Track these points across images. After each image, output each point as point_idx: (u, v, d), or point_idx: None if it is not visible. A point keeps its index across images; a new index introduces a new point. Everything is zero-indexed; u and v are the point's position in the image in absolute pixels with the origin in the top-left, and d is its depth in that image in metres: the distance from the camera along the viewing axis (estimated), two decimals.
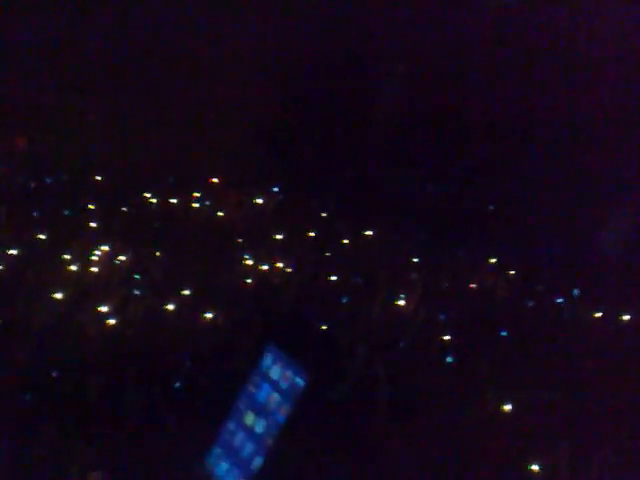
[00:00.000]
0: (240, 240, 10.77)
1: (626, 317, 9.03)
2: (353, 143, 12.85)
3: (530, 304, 9.30)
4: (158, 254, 10.26)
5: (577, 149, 12.06)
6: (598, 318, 9.05)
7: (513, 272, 10.00)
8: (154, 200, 11.94)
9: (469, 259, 10.16)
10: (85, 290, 9.38)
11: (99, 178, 12.50)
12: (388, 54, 13.62)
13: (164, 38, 13.66)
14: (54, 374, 7.86)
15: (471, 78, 12.89)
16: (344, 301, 9.16)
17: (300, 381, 5.19)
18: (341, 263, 10.10)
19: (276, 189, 12.18)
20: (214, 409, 7.13)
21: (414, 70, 13.18)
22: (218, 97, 13.16)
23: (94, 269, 9.88)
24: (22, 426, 6.95)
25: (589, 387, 7.79)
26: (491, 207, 11.41)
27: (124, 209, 11.64)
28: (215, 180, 12.24)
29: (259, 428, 5.26)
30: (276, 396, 5.24)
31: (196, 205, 11.82)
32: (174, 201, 11.91)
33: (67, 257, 10.03)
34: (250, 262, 10.18)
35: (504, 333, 8.61)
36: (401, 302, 9.14)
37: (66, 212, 11.40)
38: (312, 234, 10.90)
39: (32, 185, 12.27)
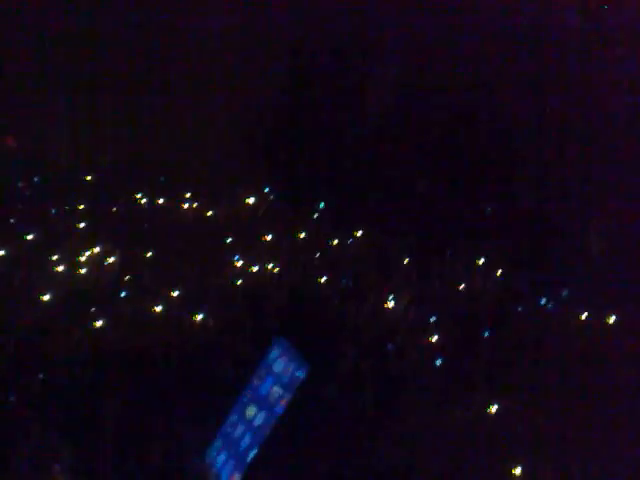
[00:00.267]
0: (230, 240, 10.78)
1: (612, 319, 9.10)
2: (344, 143, 12.86)
3: (517, 305, 9.34)
4: (149, 255, 10.27)
5: (567, 150, 12.11)
6: (584, 320, 9.12)
7: (501, 273, 10.04)
8: (144, 200, 11.93)
9: (458, 260, 10.20)
10: (74, 291, 9.38)
11: (89, 178, 12.47)
12: (379, 52, 13.63)
13: (153, 34, 13.62)
14: (41, 375, 7.87)
15: (464, 76, 12.92)
16: (334, 302, 9.19)
17: (301, 374, 5.22)
18: (331, 264, 10.12)
19: (267, 189, 12.18)
20: (203, 407, 7.20)
21: (406, 68, 13.19)
22: (209, 96, 13.13)
23: (83, 270, 9.88)
24: (7, 426, 6.96)
25: (575, 389, 7.86)
26: (488, 209, 11.46)
27: (114, 209, 11.62)
28: (206, 180, 12.23)
29: (258, 420, 5.28)
30: (277, 389, 5.27)
31: (186, 205, 11.80)
32: (165, 201, 11.89)
33: (55, 258, 10.02)
34: (240, 263, 10.20)
35: (491, 334, 8.67)
36: (390, 303, 9.19)
37: (54, 211, 11.38)
38: (302, 235, 10.92)
39: (20, 184, 12.23)
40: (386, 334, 8.60)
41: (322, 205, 11.68)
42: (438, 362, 8.13)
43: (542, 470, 7.06)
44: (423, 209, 11.42)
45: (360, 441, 7.26)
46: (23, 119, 12.86)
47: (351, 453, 7.14)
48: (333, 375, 7.89)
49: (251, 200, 11.86)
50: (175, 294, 9.31)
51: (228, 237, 10.82)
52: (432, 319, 8.88)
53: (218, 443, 5.81)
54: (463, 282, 9.74)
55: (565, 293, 9.52)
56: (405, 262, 10.19)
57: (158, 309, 9.00)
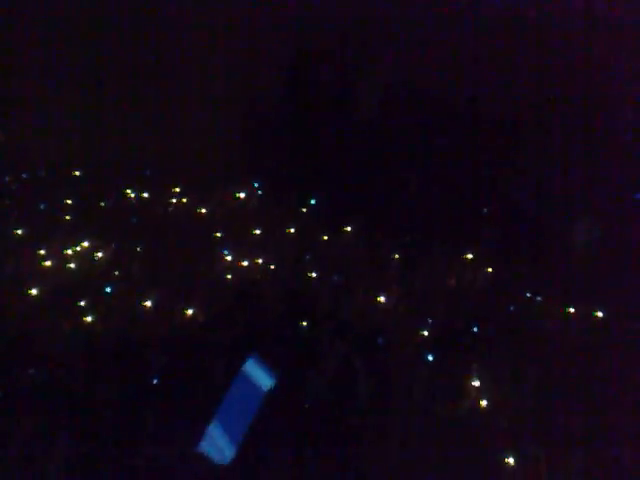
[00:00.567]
0: (219, 235, 10.76)
1: (599, 314, 9.16)
2: (334, 138, 12.86)
3: (507, 300, 9.39)
4: (138, 249, 10.24)
5: (556, 147, 12.18)
6: (573, 314, 9.18)
7: (491, 268, 10.09)
8: (133, 195, 11.89)
9: (448, 255, 10.23)
10: (62, 286, 9.34)
11: (77, 173, 12.42)
12: (371, 49, 13.63)
13: (141, 27, 13.56)
14: (31, 371, 7.84)
15: (458, 73, 12.95)
16: (324, 298, 9.20)
17: (271, 381, 5.28)
18: (322, 260, 10.13)
19: (256, 184, 12.17)
20: (191, 405, 7.20)
21: (398, 66, 13.20)
22: (199, 91, 13.10)
23: (71, 265, 9.84)
24: None
25: (564, 383, 7.92)
26: (485, 210, 11.51)
27: (102, 204, 11.58)
28: (196, 175, 12.20)
29: (234, 424, 5.33)
30: (250, 395, 5.32)
31: (174, 200, 11.78)
32: (152, 196, 11.86)
33: (43, 252, 9.98)
34: (229, 258, 10.19)
35: (481, 329, 8.71)
36: (382, 299, 9.21)
37: (42, 207, 11.33)
38: (292, 230, 10.92)
39: (7, 179, 12.17)
40: (377, 329, 8.61)
41: (312, 201, 11.68)
42: (430, 357, 8.16)
43: (531, 464, 7.11)
44: (414, 204, 11.46)
45: (350, 437, 7.28)
46: (10, 113, 12.79)
47: (341, 449, 7.15)
48: (324, 370, 7.90)
49: (241, 195, 11.86)
50: (164, 289, 9.29)
51: (217, 232, 10.80)
52: (423, 314, 8.91)
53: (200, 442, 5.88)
54: (453, 277, 9.78)
55: (554, 288, 9.57)
56: (396, 257, 10.22)
57: (147, 304, 8.98)
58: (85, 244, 10.24)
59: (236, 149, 12.32)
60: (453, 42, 13.25)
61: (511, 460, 7.10)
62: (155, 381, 7.79)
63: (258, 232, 10.85)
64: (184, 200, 11.73)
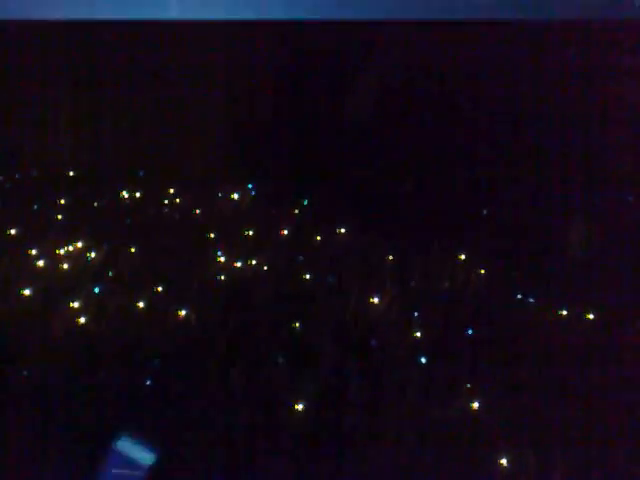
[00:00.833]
0: (212, 235, 10.76)
1: (591, 316, 9.17)
2: (328, 139, 12.86)
3: (500, 303, 9.39)
4: (131, 250, 10.22)
5: (549, 147, 12.19)
6: (565, 316, 9.18)
7: (484, 270, 10.09)
8: (127, 195, 11.88)
9: (442, 257, 10.23)
10: (54, 286, 9.32)
11: (71, 173, 12.40)
12: (365, 49, 13.62)
13: (138, 30, 13.53)
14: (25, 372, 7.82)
15: (455, 74, 12.95)
16: (317, 299, 9.20)
17: (149, 459, 5.37)
18: (315, 261, 10.13)
19: (250, 186, 12.17)
20: (184, 408, 7.17)
21: (393, 66, 13.20)
22: (193, 92, 13.08)
23: (64, 265, 9.82)
24: None
25: (557, 385, 7.92)
26: (484, 211, 11.52)
27: (95, 204, 11.57)
28: (190, 176, 12.19)
29: None
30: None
31: (167, 201, 11.77)
32: (145, 196, 11.85)
33: (35, 252, 9.96)
34: (222, 259, 10.18)
35: (474, 331, 8.71)
36: (375, 300, 9.20)
37: (36, 207, 11.31)
38: (286, 232, 10.92)
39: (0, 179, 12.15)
40: (370, 331, 8.61)
41: (305, 202, 11.69)
42: (422, 359, 8.15)
43: (524, 465, 7.12)
44: (408, 206, 11.46)
45: (343, 439, 7.27)
46: (1, 113, 12.75)
47: (334, 451, 7.15)
48: (316, 372, 7.90)
49: (235, 196, 11.86)
50: (158, 289, 9.28)
51: (211, 233, 10.80)
52: (415, 315, 8.91)
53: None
54: (447, 279, 9.78)
55: (547, 290, 9.58)
56: (389, 258, 10.22)
57: (141, 305, 8.96)
58: (79, 244, 10.23)
59: (230, 150, 12.33)
60: (453, 42, 13.23)
61: (504, 461, 7.10)
62: (148, 382, 7.78)
63: (251, 233, 10.85)
64: (177, 200, 11.74)
